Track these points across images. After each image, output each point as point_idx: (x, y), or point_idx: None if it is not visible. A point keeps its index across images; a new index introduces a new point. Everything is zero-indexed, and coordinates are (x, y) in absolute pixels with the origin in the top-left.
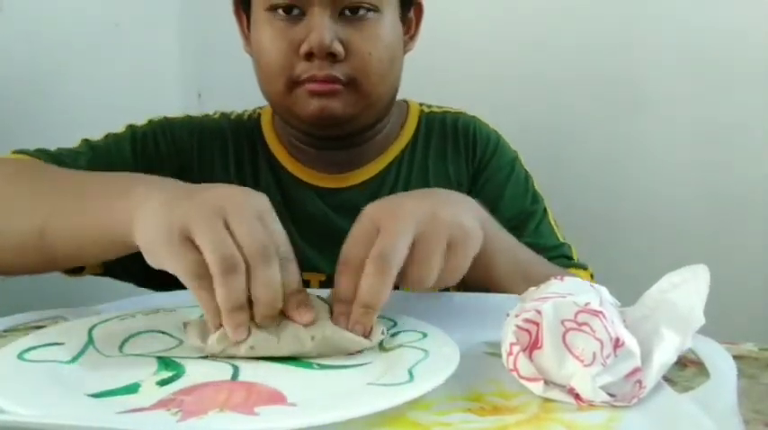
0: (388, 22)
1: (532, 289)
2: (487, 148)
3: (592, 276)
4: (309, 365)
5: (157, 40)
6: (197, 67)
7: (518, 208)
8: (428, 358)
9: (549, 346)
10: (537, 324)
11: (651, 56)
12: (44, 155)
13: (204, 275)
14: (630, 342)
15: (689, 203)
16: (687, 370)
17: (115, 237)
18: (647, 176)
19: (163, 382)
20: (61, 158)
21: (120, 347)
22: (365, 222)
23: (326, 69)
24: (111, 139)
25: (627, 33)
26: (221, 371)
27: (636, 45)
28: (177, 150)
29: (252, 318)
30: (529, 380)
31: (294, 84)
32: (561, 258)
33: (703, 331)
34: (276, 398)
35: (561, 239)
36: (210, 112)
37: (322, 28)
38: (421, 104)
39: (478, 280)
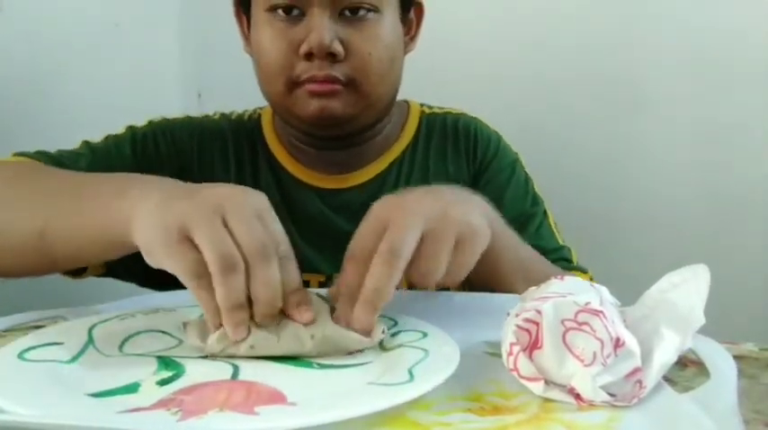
0: (388, 22)
1: (532, 288)
2: (488, 150)
3: (591, 280)
4: (309, 365)
5: (157, 40)
6: (197, 67)
7: (518, 210)
8: (428, 358)
9: (550, 346)
10: (537, 323)
11: (651, 56)
12: (44, 157)
13: (203, 274)
14: (631, 342)
15: (689, 203)
16: (687, 370)
17: (114, 238)
18: (647, 176)
19: (163, 382)
20: (61, 160)
21: (120, 347)
22: (374, 218)
23: (326, 69)
24: (111, 141)
25: (627, 33)
26: (221, 370)
27: (636, 45)
28: (177, 151)
29: (252, 317)
30: (529, 379)
31: (294, 84)
32: (561, 261)
33: (703, 331)
34: (276, 397)
35: (561, 242)
36: (210, 113)
37: (322, 28)
38: (422, 105)
39: (483, 277)
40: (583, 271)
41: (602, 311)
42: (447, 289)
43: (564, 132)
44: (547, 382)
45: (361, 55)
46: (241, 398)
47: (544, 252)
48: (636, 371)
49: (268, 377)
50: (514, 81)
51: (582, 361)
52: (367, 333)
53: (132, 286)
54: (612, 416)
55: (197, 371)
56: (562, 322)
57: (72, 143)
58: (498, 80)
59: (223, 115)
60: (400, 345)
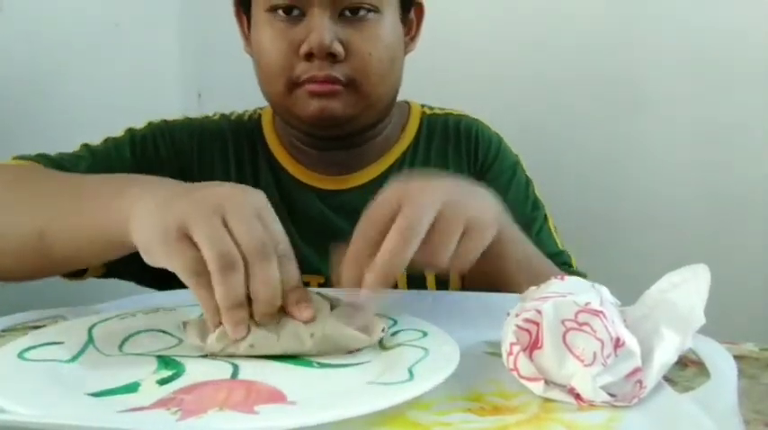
0: (388, 22)
1: (532, 288)
2: (489, 152)
3: None
4: (309, 364)
5: (157, 40)
6: (197, 67)
7: (518, 213)
8: (428, 357)
9: (550, 346)
10: (537, 324)
11: (651, 56)
12: (44, 160)
13: (202, 273)
14: (631, 342)
15: (689, 203)
16: (687, 370)
17: (112, 238)
18: (647, 176)
19: (163, 381)
20: (61, 163)
21: (120, 346)
22: (390, 195)
23: (326, 70)
24: (111, 143)
25: (627, 33)
26: (221, 369)
27: (636, 45)
28: (177, 152)
29: (251, 315)
30: (529, 379)
31: (294, 84)
32: (561, 265)
33: (703, 331)
34: (276, 396)
35: (561, 247)
36: (210, 114)
37: (322, 28)
38: (423, 106)
39: (487, 271)
40: (582, 276)
41: (602, 311)
42: (446, 288)
43: (564, 132)
44: (547, 382)
45: (362, 55)
46: (241, 397)
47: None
48: (636, 371)
49: (268, 376)
50: (514, 81)
51: (582, 361)
52: (367, 330)
53: (132, 286)
54: (613, 417)
55: (197, 371)
56: (562, 322)
57: (72, 143)
58: (498, 80)
59: (223, 116)
60: (400, 344)
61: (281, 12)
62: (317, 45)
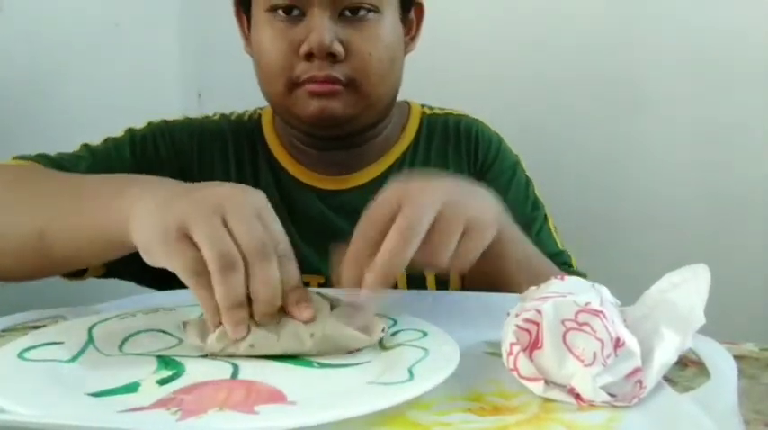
0: (388, 22)
1: (533, 288)
2: (489, 152)
3: None
4: (309, 364)
5: (157, 40)
6: (197, 67)
7: (518, 213)
8: (428, 357)
9: (550, 346)
10: (537, 324)
11: (651, 56)
12: (44, 160)
13: (202, 273)
14: (631, 342)
15: (689, 203)
16: (687, 370)
17: (112, 237)
18: (647, 176)
19: (163, 381)
20: (62, 163)
21: (120, 346)
22: (390, 194)
23: (326, 70)
24: (111, 143)
25: (627, 33)
26: (221, 369)
27: (636, 45)
28: (177, 152)
29: (251, 315)
30: (529, 379)
31: (294, 84)
32: (562, 266)
33: (703, 331)
34: (276, 396)
35: (561, 247)
36: (210, 114)
37: (322, 28)
38: (423, 106)
39: (488, 271)
40: (582, 276)
41: (602, 311)
42: (446, 288)
43: (564, 132)
44: (547, 382)
45: (362, 55)
46: (241, 397)
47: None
48: (636, 371)
49: (268, 376)
50: (514, 81)
51: (582, 361)
52: (367, 330)
53: (132, 285)
54: (613, 417)
55: (197, 371)
56: (562, 322)
57: (72, 143)
58: (498, 80)
59: (223, 116)
60: (400, 344)
61: (280, 12)
62: (317, 45)
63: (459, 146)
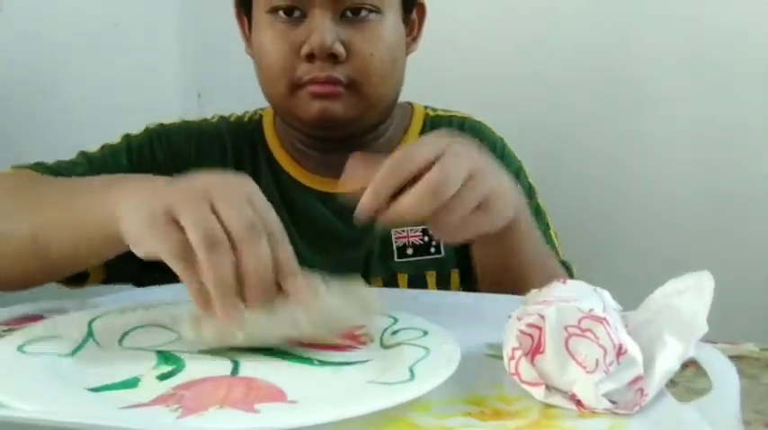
0: (389, 23)
1: (534, 291)
2: (493, 155)
3: None
4: (310, 362)
5: (157, 40)
6: (197, 67)
7: None
8: (429, 356)
9: (552, 351)
10: (540, 328)
11: (651, 55)
12: (42, 168)
13: (190, 257)
14: (633, 349)
15: (689, 203)
16: (687, 370)
17: (104, 233)
18: (647, 176)
19: (162, 377)
20: (59, 170)
21: (120, 341)
22: (429, 145)
23: (328, 71)
24: (108, 150)
25: (626, 33)
26: (221, 366)
27: (635, 45)
28: (174, 156)
29: (244, 302)
30: (530, 384)
31: (296, 86)
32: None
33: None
34: (276, 395)
35: (561, 256)
36: (209, 116)
37: (323, 29)
38: (426, 107)
39: (503, 266)
40: None
41: (605, 318)
42: (447, 287)
43: (564, 132)
44: (548, 388)
45: (363, 56)
46: (241, 394)
47: None
48: (638, 379)
49: (268, 374)
50: (513, 81)
51: (584, 368)
52: (364, 308)
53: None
54: (614, 424)
55: (197, 366)
56: (565, 328)
57: (72, 143)
58: (497, 80)
59: (222, 118)
60: (400, 343)
61: (281, 13)
62: (319, 46)
63: None
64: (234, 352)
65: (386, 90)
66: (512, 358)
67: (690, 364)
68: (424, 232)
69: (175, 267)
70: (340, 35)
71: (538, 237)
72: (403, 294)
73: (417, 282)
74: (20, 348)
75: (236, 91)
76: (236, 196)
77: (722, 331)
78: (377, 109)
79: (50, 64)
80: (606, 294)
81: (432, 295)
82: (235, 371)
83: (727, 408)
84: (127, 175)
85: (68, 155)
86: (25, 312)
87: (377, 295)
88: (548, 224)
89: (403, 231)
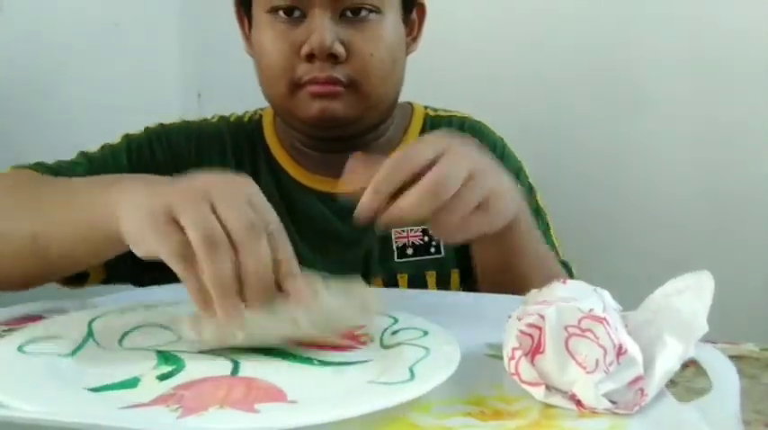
0: (389, 23)
1: (534, 291)
2: (493, 155)
3: None
4: (310, 362)
5: (157, 40)
6: (197, 67)
7: None
8: (429, 356)
9: (552, 351)
10: (540, 328)
11: (651, 56)
12: (42, 168)
13: (190, 257)
14: (633, 349)
15: (689, 203)
16: (688, 370)
17: (103, 232)
18: (647, 176)
19: (162, 377)
20: (59, 170)
21: (120, 340)
22: (430, 145)
23: (328, 71)
24: (108, 150)
25: (626, 33)
26: (221, 366)
27: (635, 45)
28: (174, 156)
29: (245, 302)
30: (530, 384)
31: (296, 86)
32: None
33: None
34: (276, 395)
35: (561, 256)
36: (209, 116)
37: (323, 29)
38: (426, 107)
39: (504, 267)
40: None
41: (605, 318)
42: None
43: (564, 132)
44: (548, 388)
45: (363, 56)
46: (241, 394)
47: None
48: (638, 379)
49: (268, 373)
50: (513, 81)
51: (584, 368)
52: (364, 307)
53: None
54: (614, 424)
55: (197, 367)
56: (565, 328)
57: (72, 143)
58: (497, 80)
59: (222, 118)
60: (400, 343)
61: (281, 13)
62: (319, 46)
63: None
64: (234, 352)
65: (386, 90)
66: (512, 358)
67: (690, 364)
68: (424, 232)
69: (175, 267)
70: (340, 35)
71: (538, 237)
72: (403, 294)
73: (417, 283)
74: (20, 348)
75: (236, 91)
76: (236, 196)
77: (722, 331)
78: (377, 109)
79: (50, 64)
80: (606, 294)
81: (432, 295)
82: (235, 371)
83: (727, 408)
84: (127, 175)
85: (68, 155)
86: (25, 312)
87: (376, 295)
88: (548, 224)
89: (403, 231)
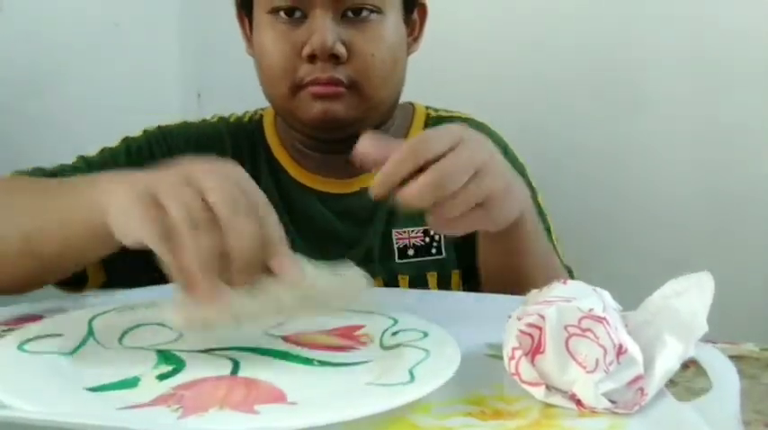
0: (390, 23)
1: (534, 291)
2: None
3: None
4: (310, 362)
5: (157, 40)
6: (197, 67)
7: None
8: (429, 358)
9: (552, 351)
10: (540, 328)
11: (651, 56)
12: (41, 172)
13: (173, 238)
14: (633, 349)
15: (689, 203)
16: (688, 370)
17: (94, 227)
18: (647, 176)
19: (162, 377)
20: (57, 175)
21: (120, 339)
22: (448, 135)
23: (329, 71)
24: (107, 154)
25: (627, 33)
26: (221, 366)
27: (636, 45)
28: (173, 158)
29: (231, 283)
30: (530, 384)
31: (297, 87)
32: None
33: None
34: (276, 396)
35: (562, 260)
36: (209, 116)
37: (324, 29)
38: (427, 108)
39: (506, 259)
40: None
41: (605, 318)
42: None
43: (564, 132)
44: (548, 388)
45: (364, 56)
46: (241, 395)
47: None
48: (638, 378)
49: (268, 374)
50: (514, 81)
51: (584, 367)
52: (356, 293)
53: None
54: (614, 424)
55: (197, 366)
56: (565, 328)
57: (72, 143)
58: (498, 80)
59: (221, 118)
60: (400, 345)
61: (282, 13)
62: (320, 46)
63: None
64: (234, 352)
65: (387, 91)
66: (512, 358)
67: (690, 364)
68: (425, 233)
69: (158, 249)
70: (341, 35)
71: (543, 239)
72: (403, 294)
73: (418, 284)
74: (20, 347)
75: (236, 91)
76: (219, 176)
77: (722, 331)
78: (378, 110)
79: (50, 64)
80: (606, 294)
81: (432, 295)
82: (235, 371)
83: (727, 408)
84: (114, 171)
85: (68, 155)
86: (25, 312)
87: (364, 276)
88: (549, 228)
89: (404, 232)
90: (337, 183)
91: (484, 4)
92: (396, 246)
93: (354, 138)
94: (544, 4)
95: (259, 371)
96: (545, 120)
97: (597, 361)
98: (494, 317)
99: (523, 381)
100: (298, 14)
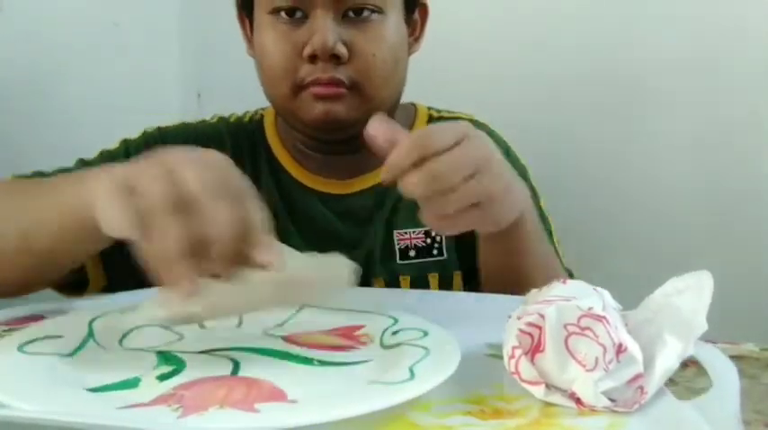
0: (392, 23)
1: (534, 290)
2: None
3: None
4: (309, 362)
5: (157, 40)
6: (197, 67)
7: None
8: (429, 356)
9: (552, 350)
10: (540, 327)
11: (653, 56)
12: (40, 176)
13: (148, 226)
14: (633, 348)
15: (690, 203)
16: (688, 370)
17: (82, 222)
18: (648, 176)
19: (163, 377)
20: None
21: (121, 341)
22: (454, 132)
23: (330, 72)
24: (106, 156)
25: (628, 33)
26: (221, 366)
27: (637, 45)
28: None
29: (210, 269)
30: (530, 383)
31: (298, 87)
32: None
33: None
34: (276, 394)
35: (563, 263)
36: (209, 116)
37: (325, 30)
38: (429, 108)
39: (507, 259)
40: None
41: (605, 317)
42: (449, 288)
43: (565, 132)
44: (548, 386)
45: (365, 56)
46: (241, 394)
47: None
48: (638, 377)
49: (268, 373)
50: (516, 81)
51: (584, 366)
52: (340, 281)
53: None
54: (613, 422)
55: (197, 367)
56: (565, 326)
57: (72, 143)
58: (499, 80)
59: (221, 119)
60: (400, 344)
61: (283, 14)
62: (321, 47)
63: None
64: (234, 352)
65: (388, 91)
66: (512, 357)
67: (690, 364)
68: (427, 234)
69: (133, 236)
70: (342, 36)
71: (543, 240)
72: (403, 294)
73: (419, 284)
74: (20, 348)
75: (236, 91)
76: (199, 164)
77: (722, 331)
78: (379, 110)
79: (50, 64)
80: (606, 294)
81: (432, 295)
82: (235, 371)
83: (727, 408)
84: (100, 167)
85: (68, 155)
86: (26, 312)
87: (349, 268)
88: (550, 230)
89: (405, 233)
90: (338, 184)
91: (485, 4)
92: (397, 247)
93: (355, 138)
94: (545, 4)
95: (259, 371)
96: (547, 120)
97: (597, 359)
98: (494, 316)
99: (523, 380)
100: (299, 15)
